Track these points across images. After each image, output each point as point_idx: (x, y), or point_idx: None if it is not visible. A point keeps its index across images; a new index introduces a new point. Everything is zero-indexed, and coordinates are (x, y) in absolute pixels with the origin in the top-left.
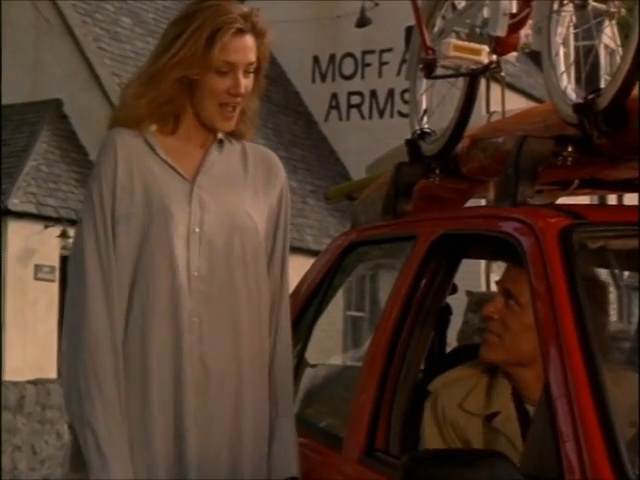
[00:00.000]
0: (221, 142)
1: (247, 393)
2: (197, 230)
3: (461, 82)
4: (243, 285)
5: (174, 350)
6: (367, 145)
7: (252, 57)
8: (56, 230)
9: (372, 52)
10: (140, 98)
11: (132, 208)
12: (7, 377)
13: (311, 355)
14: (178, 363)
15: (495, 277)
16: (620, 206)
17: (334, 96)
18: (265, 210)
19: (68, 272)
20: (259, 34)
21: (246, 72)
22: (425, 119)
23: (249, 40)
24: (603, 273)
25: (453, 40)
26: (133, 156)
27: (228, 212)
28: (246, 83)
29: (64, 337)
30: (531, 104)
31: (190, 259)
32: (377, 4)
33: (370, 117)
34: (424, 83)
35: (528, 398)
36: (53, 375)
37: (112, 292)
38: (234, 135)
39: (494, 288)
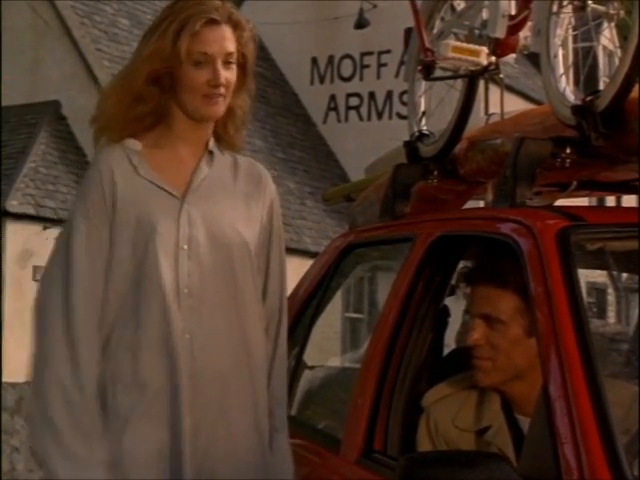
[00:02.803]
0: (211, 154)
1: (243, 407)
2: (185, 247)
3: (460, 84)
4: (234, 300)
5: (169, 368)
6: (365, 147)
7: (230, 47)
8: (55, 231)
9: (370, 54)
10: (111, 97)
11: (125, 227)
12: (5, 378)
13: (309, 357)
14: (175, 380)
15: None
16: (618, 208)
17: (332, 98)
18: (256, 224)
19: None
20: (236, 25)
21: (226, 63)
22: (423, 121)
23: (225, 30)
24: (602, 275)
25: (452, 41)
26: (122, 175)
27: (217, 228)
28: (227, 75)
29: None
30: (530, 106)
31: (179, 276)
32: (375, 6)
33: (369, 119)
34: (423, 85)
35: (519, 408)
36: None
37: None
38: (224, 142)
39: None
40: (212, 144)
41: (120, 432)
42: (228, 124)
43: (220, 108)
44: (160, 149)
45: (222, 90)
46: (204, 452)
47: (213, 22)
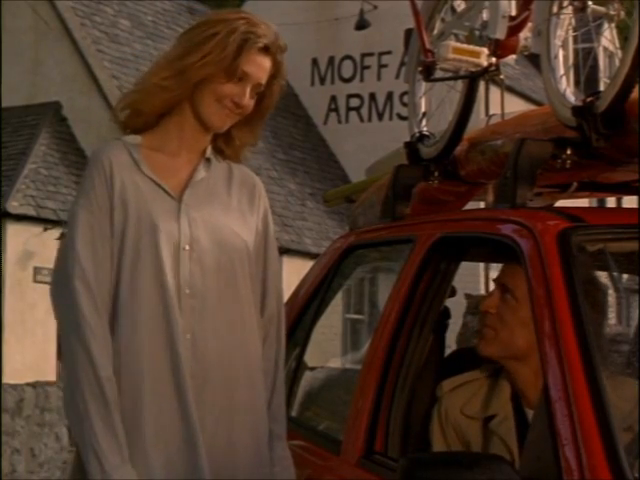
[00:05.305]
0: (208, 160)
1: (242, 408)
2: (187, 248)
3: (460, 85)
4: (235, 301)
5: (171, 368)
6: (366, 148)
7: (263, 79)
8: (55, 232)
9: (371, 55)
10: (164, 90)
11: (126, 223)
12: (6, 380)
13: (310, 358)
14: (178, 380)
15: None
16: (619, 209)
17: (333, 99)
18: (252, 231)
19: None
20: (277, 65)
21: (252, 92)
22: (424, 122)
23: (267, 62)
24: (602, 276)
25: (452, 42)
26: (124, 171)
27: (217, 230)
28: (249, 101)
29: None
30: (530, 107)
31: (181, 276)
32: (376, 7)
33: (369, 120)
34: (423, 86)
35: (527, 399)
36: (52, 378)
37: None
38: (222, 155)
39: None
40: (209, 152)
41: (130, 438)
42: (228, 148)
43: (226, 125)
44: (158, 152)
45: (238, 110)
46: (209, 454)
47: (265, 49)
